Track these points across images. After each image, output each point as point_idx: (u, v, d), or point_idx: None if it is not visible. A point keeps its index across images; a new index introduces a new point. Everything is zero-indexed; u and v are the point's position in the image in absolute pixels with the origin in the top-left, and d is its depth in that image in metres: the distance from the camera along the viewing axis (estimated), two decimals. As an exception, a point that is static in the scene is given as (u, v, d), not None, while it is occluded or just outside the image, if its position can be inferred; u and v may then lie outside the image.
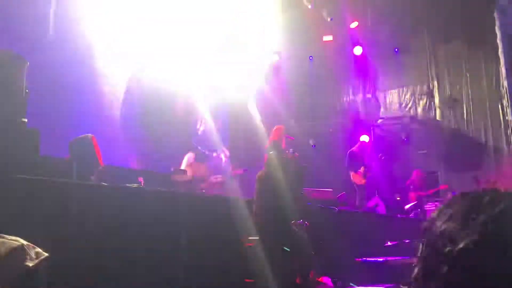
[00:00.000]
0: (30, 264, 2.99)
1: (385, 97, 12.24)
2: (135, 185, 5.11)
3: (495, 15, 10.15)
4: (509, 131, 10.03)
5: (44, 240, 3.39)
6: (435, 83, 11.48)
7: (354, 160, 9.42)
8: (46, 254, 3.15)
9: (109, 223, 4.23)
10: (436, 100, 11.47)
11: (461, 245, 0.70)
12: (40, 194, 3.91)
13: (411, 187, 9.92)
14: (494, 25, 10.14)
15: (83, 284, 3.72)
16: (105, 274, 3.87)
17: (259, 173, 5.31)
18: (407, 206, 9.47)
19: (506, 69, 9.64)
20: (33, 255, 3.03)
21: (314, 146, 12.70)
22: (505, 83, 9.69)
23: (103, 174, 4.95)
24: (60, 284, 3.40)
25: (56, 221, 3.85)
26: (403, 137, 12.08)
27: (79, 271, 3.70)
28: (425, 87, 11.64)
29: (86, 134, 5.23)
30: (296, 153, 7.99)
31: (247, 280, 4.52)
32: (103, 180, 4.82)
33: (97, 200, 4.34)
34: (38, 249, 3.11)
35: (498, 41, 10.09)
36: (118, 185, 4.92)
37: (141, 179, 8.00)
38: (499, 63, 10.01)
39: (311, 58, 13.35)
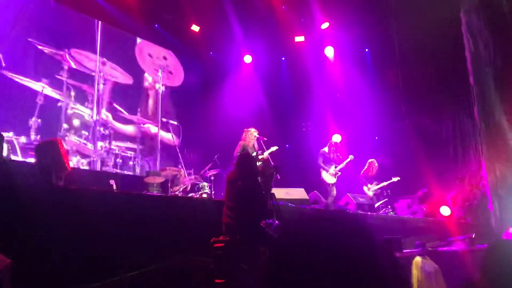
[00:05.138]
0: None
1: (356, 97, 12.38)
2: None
3: (461, 15, 10.33)
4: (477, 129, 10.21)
5: (7, 245, 3.36)
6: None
7: (326, 159, 9.52)
8: (8, 260, 3.13)
9: (76, 227, 4.19)
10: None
11: None
12: (5, 199, 3.86)
13: (364, 179, 10.05)
14: (460, 23, 10.29)
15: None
16: (70, 278, 3.85)
17: (229, 174, 5.33)
18: (377, 204, 9.60)
19: (472, 66, 9.77)
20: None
21: (288, 146, 12.81)
22: (471, 80, 9.83)
23: (70, 177, 4.90)
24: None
25: (21, 227, 3.81)
26: (375, 137, 12.27)
27: (44, 276, 3.67)
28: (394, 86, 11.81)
29: (53, 138, 5.17)
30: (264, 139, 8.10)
31: (217, 281, 4.53)
32: (71, 183, 4.78)
33: (64, 204, 4.30)
34: (0, 255, 3.08)
35: (465, 40, 10.26)
36: (86, 188, 4.88)
37: (112, 181, 7.95)
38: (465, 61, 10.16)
39: (283, 59, 13.47)
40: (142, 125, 10.91)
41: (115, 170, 9.34)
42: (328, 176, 9.36)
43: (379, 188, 9.86)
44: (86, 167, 8.84)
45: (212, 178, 8.95)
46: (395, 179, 9.83)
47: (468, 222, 8.91)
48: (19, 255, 3.47)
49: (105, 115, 10.09)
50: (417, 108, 11.41)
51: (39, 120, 8.33)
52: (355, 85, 12.23)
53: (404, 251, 6.56)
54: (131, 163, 10.01)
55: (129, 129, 10.73)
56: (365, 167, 10.10)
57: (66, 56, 9.41)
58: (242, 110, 12.03)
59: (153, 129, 11.10)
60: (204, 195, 8.47)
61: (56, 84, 9.11)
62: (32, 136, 8.08)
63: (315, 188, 9.28)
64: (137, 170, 10.11)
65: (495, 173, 8.65)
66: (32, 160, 6.16)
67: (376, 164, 10.08)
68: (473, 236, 7.19)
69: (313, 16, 12.08)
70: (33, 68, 8.83)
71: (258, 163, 7.44)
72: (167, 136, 11.15)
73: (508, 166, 8.51)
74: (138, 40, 11.57)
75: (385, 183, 9.85)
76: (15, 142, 7.63)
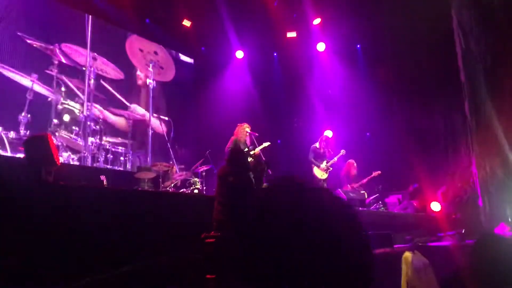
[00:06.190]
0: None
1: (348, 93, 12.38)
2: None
3: (452, 12, 10.33)
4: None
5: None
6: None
7: (317, 155, 9.53)
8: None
9: (66, 223, 4.16)
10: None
11: None
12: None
13: (346, 179, 9.98)
14: (451, 20, 10.29)
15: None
16: (59, 274, 3.82)
17: (220, 169, 5.32)
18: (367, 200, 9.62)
19: (463, 63, 9.77)
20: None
21: (280, 141, 12.80)
22: (462, 77, 9.83)
23: (59, 173, 4.85)
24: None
25: (9, 222, 3.77)
26: (367, 133, 12.28)
27: (32, 272, 3.64)
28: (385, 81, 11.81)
29: (42, 133, 5.12)
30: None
31: (208, 276, 4.52)
32: (60, 179, 4.74)
33: (54, 199, 4.26)
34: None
35: (456, 36, 10.27)
36: (76, 184, 4.84)
37: (103, 177, 7.91)
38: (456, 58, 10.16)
39: (275, 54, 13.45)
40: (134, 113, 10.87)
41: (106, 166, 9.29)
42: (320, 171, 9.38)
43: (359, 185, 9.81)
44: (77, 163, 8.79)
45: (204, 173, 8.93)
46: (375, 173, 9.81)
47: (458, 218, 8.96)
48: (6, 251, 3.44)
49: (95, 107, 10.04)
50: (408, 104, 11.43)
51: (29, 115, 8.26)
52: (346, 81, 12.23)
53: (394, 246, 6.59)
54: (122, 158, 9.95)
55: (121, 121, 10.66)
56: (344, 168, 10.04)
57: (56, 50, 9.32)
58: (233, 105, 12.01)
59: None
60: (196, 191, 8.46)
61: (46, 79, 9.02)
62: (22, 131, 8.01)
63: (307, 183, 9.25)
64: (128, 166, 10.06)
65: (485, 169, 8.70)
66: (21, 155, 6.10)
67: (355, 165, 10.00)
68: (463, 232, 7.24)
69: (305, 12, 12.06)
70: (22, 63, 8.74)
71: (250, 159, 7.44)
72: (157, 124, 11.10)
73: (498, 162, 8.56)
74: (129, 34, 11.49)
75: (364, 180, 9.83)
76: (3, 137, 7.56)
